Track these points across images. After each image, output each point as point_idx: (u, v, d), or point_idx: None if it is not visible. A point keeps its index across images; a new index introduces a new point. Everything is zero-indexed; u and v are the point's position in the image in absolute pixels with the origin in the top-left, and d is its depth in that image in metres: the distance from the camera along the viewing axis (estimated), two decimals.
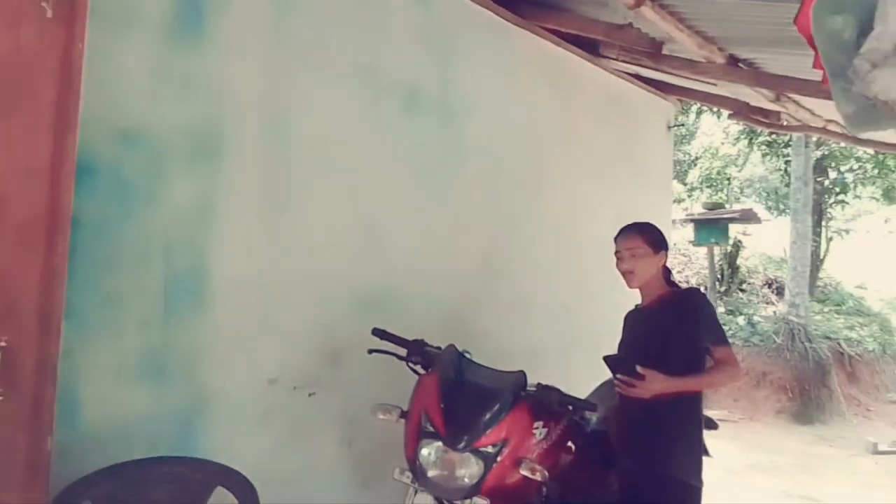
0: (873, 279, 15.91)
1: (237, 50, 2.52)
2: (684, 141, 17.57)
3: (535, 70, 4.04)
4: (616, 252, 2.67)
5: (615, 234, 2.73)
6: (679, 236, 12.68)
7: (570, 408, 2.67)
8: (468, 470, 2.23)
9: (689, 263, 12.72)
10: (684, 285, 2.85)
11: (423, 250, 3.32)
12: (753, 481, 6.18)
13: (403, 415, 2.46)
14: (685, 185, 15.51)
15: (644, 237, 2.63)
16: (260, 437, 2.60)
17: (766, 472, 6.53)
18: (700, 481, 2.48)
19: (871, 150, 10.95)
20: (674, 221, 12.11)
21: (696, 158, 15.59)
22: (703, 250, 11.90)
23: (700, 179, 14.69)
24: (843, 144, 10.84)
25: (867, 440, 7.55)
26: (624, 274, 2.63)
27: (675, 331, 2.48)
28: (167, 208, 2.32)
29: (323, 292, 2.84)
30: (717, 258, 11.64)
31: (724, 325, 9.77)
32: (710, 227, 11.04)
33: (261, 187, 2.61)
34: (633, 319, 2.77)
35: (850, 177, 12.33)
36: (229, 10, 2.48)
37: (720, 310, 10.76)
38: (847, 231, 13.81)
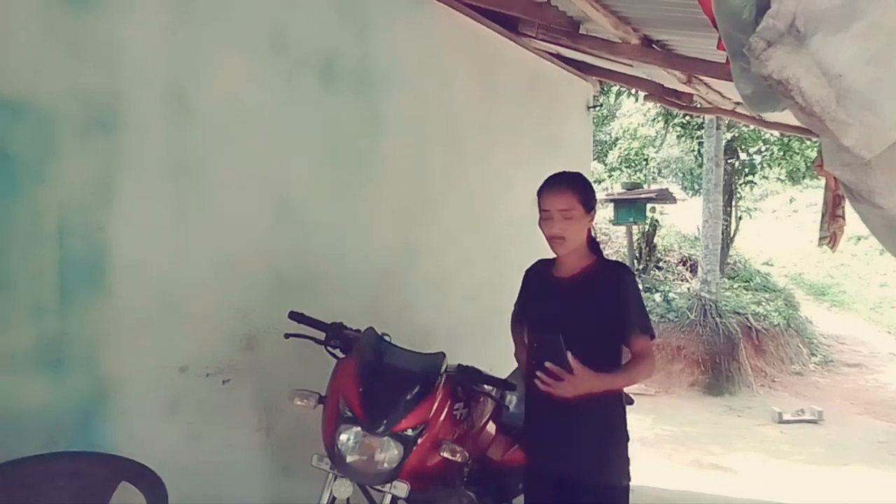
0: (778, 256, 16.87)
1: (136, 12, 2.35)
2: (605, 122, 17.98)
3: (455, 45, 4.00)
4: (543, 211, 2.22)
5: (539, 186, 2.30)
6: (599, 216, 12.99)
7: (490, 388, 2.68)
8: (387, 454, 2.20)
9: (610, 242, 13.08)
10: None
11: (342, 229, 3.24)
12: (667, 452, 6.45)
13: (321, 400, 2.39)
14: (605, 165, 15.89)
15: (577, 194, 2.19)
16: (170, 429, 2.48)
17: (679, 443, 6.82)
18: (629, 478, 2.29)
19: (776, 133, 11.50)
20: None
21: (616, 139, 15.99)
22: (622, 229, 12.27)
23: (619, 160, 15.07)
24: (751, 127, 11.34)
25: (773, 410, 8.00)
26: (552, 238, 2.21)
27: (599, 313, 2.16)
28: (60, 185, 2.15)
29: (236, 274, 2.72)
30: (635, 237, 12.01)
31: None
32: (629, 206, 11.40)
33: (164, 161, 2.46)
34: (545, 287, 2.35)
35: (757, 158, 12.93)
36: None
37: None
38: (755, 210, 14.51)
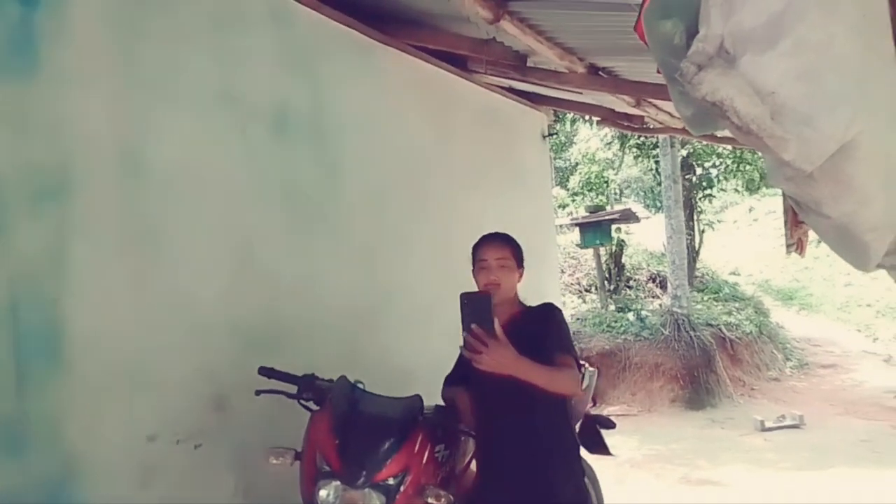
0: (744, 265, 17.16)
1: (79, 81, 2.32)
2: (563, 149, 18.29)
3: (407, 87, 4.04)
4: (481, 261, 2.41)
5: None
6: (566, 240, 13.12)
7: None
8: None
9: (579, 266, 13.17)
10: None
11: (307, 278, 3.21)
12: (656, 471, 6.42)
13: (298, 456, 2.34)
14: (568, 190, 16.11)
15: (511, 249, 2.44)
16: (142, 500, 2.39)
17: (666, 461, 6.80)
18: (587, 493, 2.44)
19: (729, 147, 11.80)
20: (560, 226, 12.54)
21: (576, 165, 16.24)
22: (590, 252, 12.37)
23: (581, 184, 15.29)
24: (705, 142, 11.62)
25: (754, 419, 8.03)
26: (488, 285, 2.35)
27: (532, 348, 2.16)
28: (10, 257, 2.09)
29: (200, 333, 2.66)
30: (603, 258, 12.12)
31: (616, 322, 10.29)
32: (594, 229, 11.52)
33: (118, 227, 2.41)
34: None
35: (714, 172, 13.22)
36: (66, 38, 2.29)
37: (611, 308, 11.19)
38: (717, 222, 14.79)
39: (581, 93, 4.59)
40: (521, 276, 2.47)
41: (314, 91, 3.36)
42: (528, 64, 3.69)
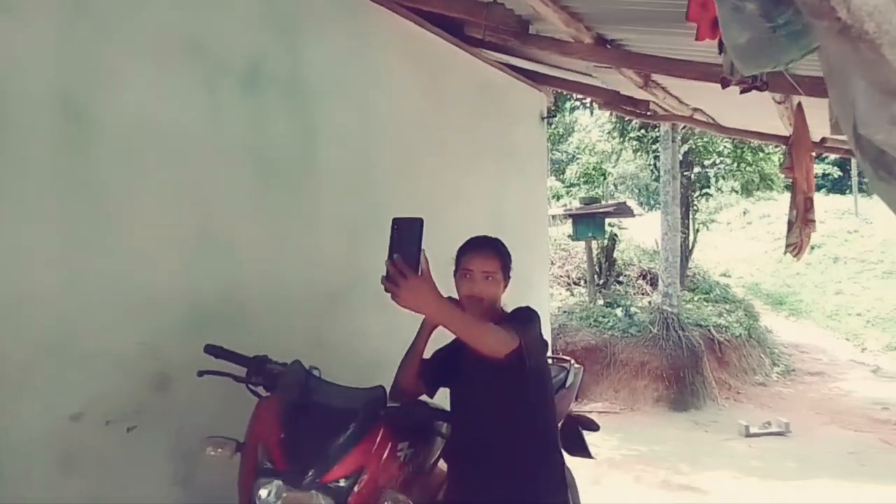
0: (735, 267, 16.97)
1: (19, 14, 2.03)
2: (562, 140, 18.00)
3: (397, 52, 3.73)
4: (465, 270, 2.16)
5: (462, 244, 2.25)
6: (558, 232, 12.88)
7: (441, 423, 2.40)
8: None
9: (569, 258, 12.92)
10: None
11: (274, 252, 2.93)
12: (636, 473, 6.20)
13: (240, 448, 2.07)
14: (563, 181, 15.85)
15: (499, 260, 2.19)
16: (64, 489, 2.12)
17: (647, 463, 6.58)
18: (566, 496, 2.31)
19: (732, 139, 11.55)
20: (553, 217, 12.28)
21: (574, 156, 15.96)
22: (581, 245, 12.13)
23: (578, 175, 15.01)
24: (705, 139, 11.37)
25: (739, 423, 7.82)
26: (470, 297, 2.13)
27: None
28: None
29: (146, 305, 2.38)
30: (595, 252, 11.88)
31: (604, 317, 10.06)
32: (588, 221, 11.27)
33: (57, 181, 2.13)
34: (464, 354, 2.13)
35: (712, 171, 12.95)
36: None
37: (599, 302, 10.96)
38: (711, 222, 14.56)
39: (588, 74, 4.30)
40: (506, 286, 2.24)
41: (292, 47, 3.06)
42: (531, 31, 3.40)
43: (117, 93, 2.31)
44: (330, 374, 2.39)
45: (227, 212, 2.72)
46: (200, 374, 2.21)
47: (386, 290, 1.63)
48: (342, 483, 1.92)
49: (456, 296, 2.18)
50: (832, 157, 18.61)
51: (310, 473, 1.87)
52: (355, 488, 1.95)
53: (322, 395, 2.12)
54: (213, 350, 2.25)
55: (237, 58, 2.79)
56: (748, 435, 7.56)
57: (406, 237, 1.70)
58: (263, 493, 1.88)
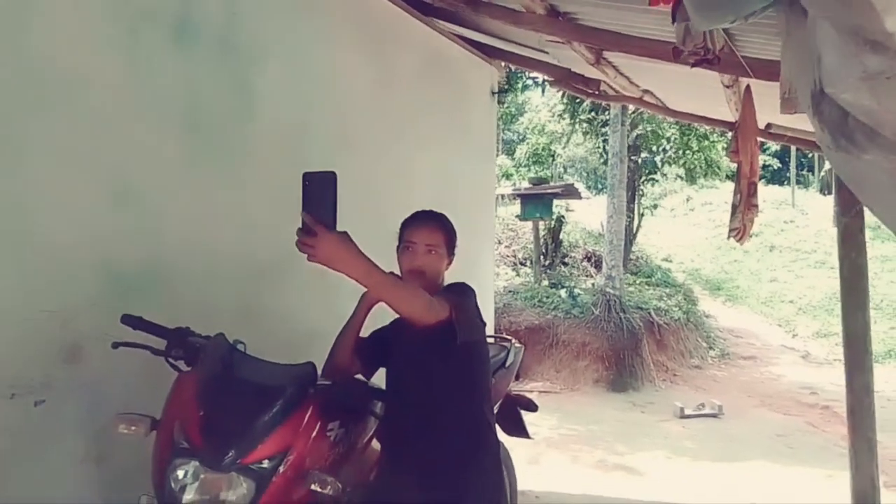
0: (677, 253, 17.35)
1: None
2: (513, 119, 17.98)
3: (345, 14, 3.57)
4: (408, 242, 2.11)
5: (405, 218, 2.18)
6: (506, 212, 12.88)
7: (375, 402, 2.30)
8: (235, 493, 1.76)
9: (516, 238, 12.95)
10: None
11: (202, 219, 2.75)
12: (573, 453, 6.26)
13: (156, 425, 1.93)
14: (513, 160, 15.85)
15: (444, 234, 2.14)
16: None
17: (584, 443, 6.66)
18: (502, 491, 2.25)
19: (679, 125, 11.71)
20: (502, 196, 12.26)
21: (524, 137, 15.96)
22: (528, 225, 12.16)
23: (527, 155, 15.03)
24: (658, 118, 11.48)
25: (674, 405, 7.99)
26: (411, 271, 2.07)
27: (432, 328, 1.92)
28: None
29: (56, 271, 2.19)
30: (541, 233, 11.93)
31: (548, 297, 10.12)
32: (536, 202, 11.30)
33: None
34: (399, 332, 2.18)
35: (659, 157, 13.13)
36: None
37: (544, 283, 11.02)
38: (656, 207, 14.80)
39: (538, 49, 4.21)
40: (449, 263, 2.19)
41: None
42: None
43: (23, 33, 2.10)
44: (260, 350, 2.25)
45: (150, 172, 2.53)
46: (115, 345, 2.04)
47: (299, 248, 1.56)
48: (265, 464, 1.80)
49: (398, 272, 2.08)
50: (773, 148, 19.18)
51: (230, 454, 1.75)
52: (280, 469, 1.83)
53: (247, 371, 1.99)
54: (131, 320, 2.09)
55: (166, 4, 2.58)
56: (683, 416, 7.73)
57: (319, 192, 1.64)
58: (179, 473, 1.75)
